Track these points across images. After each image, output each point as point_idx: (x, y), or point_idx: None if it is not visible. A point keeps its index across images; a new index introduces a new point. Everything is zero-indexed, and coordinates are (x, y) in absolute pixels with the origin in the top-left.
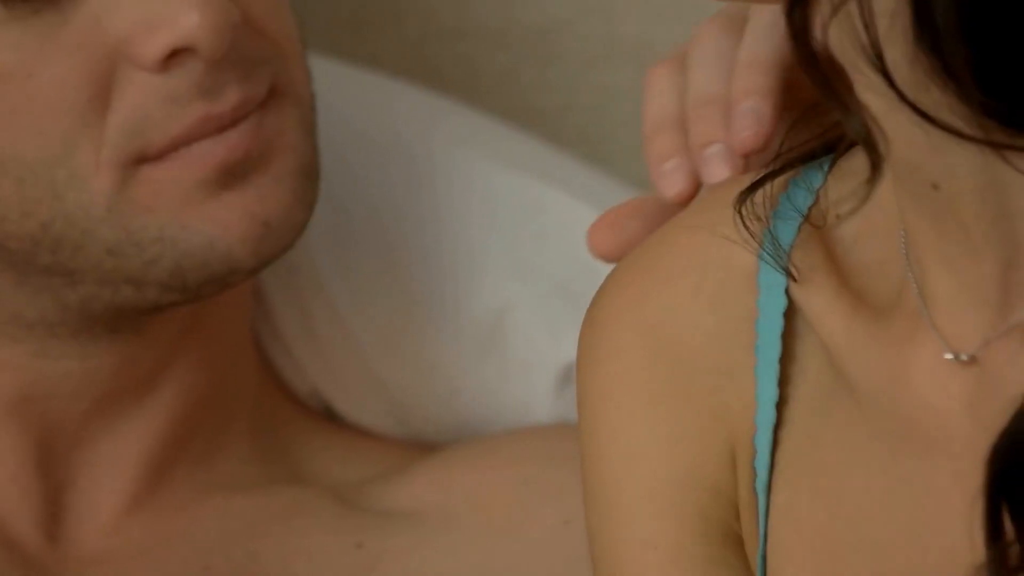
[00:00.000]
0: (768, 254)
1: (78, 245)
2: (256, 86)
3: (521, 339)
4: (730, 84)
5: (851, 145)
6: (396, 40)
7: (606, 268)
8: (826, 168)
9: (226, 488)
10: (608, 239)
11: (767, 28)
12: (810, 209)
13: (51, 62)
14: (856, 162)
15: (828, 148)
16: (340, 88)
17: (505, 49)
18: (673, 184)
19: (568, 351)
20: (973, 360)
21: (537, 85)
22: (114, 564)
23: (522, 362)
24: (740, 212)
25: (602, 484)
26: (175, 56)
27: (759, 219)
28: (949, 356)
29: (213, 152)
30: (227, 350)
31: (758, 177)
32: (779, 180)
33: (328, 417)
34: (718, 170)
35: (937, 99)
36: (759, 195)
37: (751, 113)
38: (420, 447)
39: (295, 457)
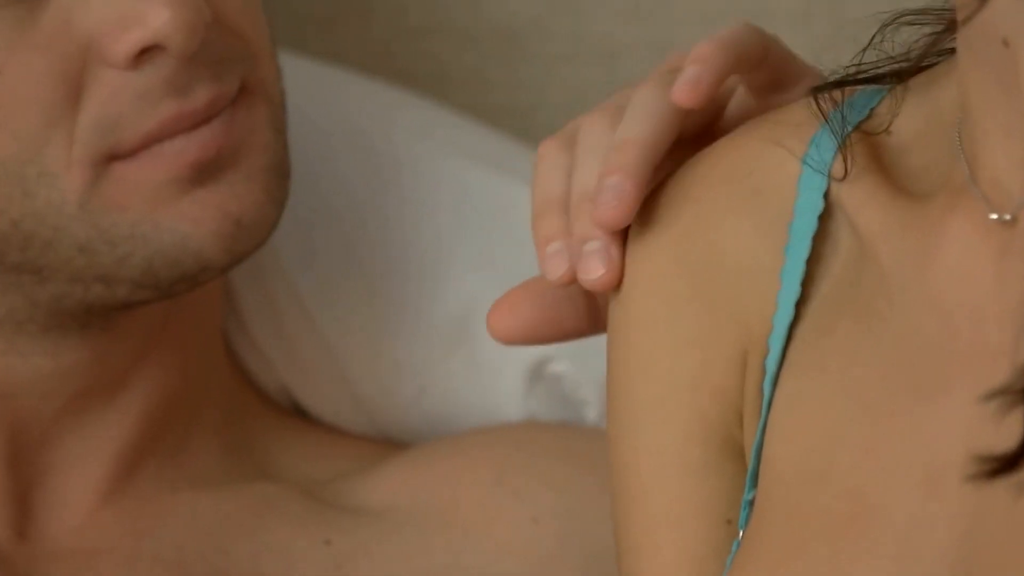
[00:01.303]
0: (816, 150)
1: (49, 243)
2: (227, 84)
3: (489, 337)
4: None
5: (919, 69)
6: (364, 38)
7: None
8: (885, 92)
9: (196, 484)
10: (505, 322)
11: (642, 108)
12: (861, 122)
13: (21, 59)
14: (921, 79)
15: (895, 75)
16: (299, 83)
17: (473, 47)
18: (556, 268)
19: (536, 349)
20: (1014, 221)
21: (505, 83)
22: (84, 560)
23: (490, 360)
24: (816, 99)
25: (619, 389)
26: (146, 53)
27: (834, 102)
28: (994, 216)
29: (185, 150)
30: (198, 348)
31: (837, 78)
32: (847, 92)
33: (297, 414)
34: (593, 268)
35: None
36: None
37: (612, 190)
38: (389, 445)
39: (264, 453)
